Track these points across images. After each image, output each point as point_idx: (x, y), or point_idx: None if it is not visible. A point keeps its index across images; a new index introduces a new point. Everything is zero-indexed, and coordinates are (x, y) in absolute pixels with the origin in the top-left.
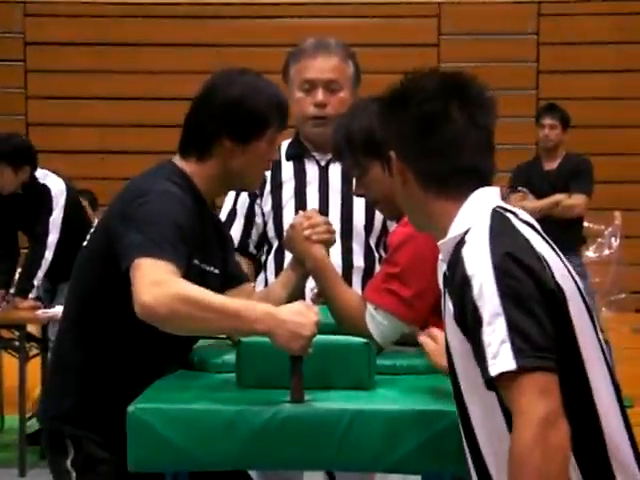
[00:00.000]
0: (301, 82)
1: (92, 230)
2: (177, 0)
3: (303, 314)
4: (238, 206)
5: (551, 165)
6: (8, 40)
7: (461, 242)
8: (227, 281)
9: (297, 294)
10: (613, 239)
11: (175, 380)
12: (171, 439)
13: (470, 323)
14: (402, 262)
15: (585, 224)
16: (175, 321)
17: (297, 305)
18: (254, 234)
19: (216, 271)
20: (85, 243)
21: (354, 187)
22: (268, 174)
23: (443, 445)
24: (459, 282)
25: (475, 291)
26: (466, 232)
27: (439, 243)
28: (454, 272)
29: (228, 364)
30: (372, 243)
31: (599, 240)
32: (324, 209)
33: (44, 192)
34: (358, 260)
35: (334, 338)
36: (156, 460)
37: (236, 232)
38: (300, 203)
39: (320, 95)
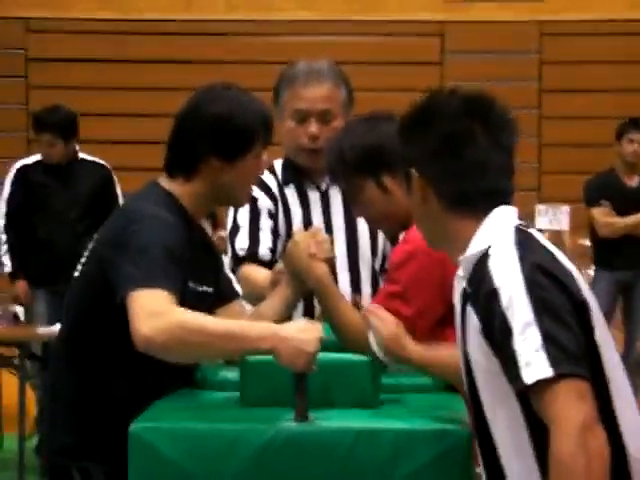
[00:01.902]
0: (293, 112)
1: (84, 258)
2: (178, 17)
3: (306, 331)
4: (262, 220)
5: (631, 181)
6: (10, 56)
7: (485, 257)
8: (219, 298)
9: (291, 311)
10: None
11: (178, 399)
12: (173, 458)
13: (498, 334)
14: (404, 280)
15: (587, 243)
16: (177, 351)
17: (300, 322)
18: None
19: (210, 290)
20: (77, 272)
21: (353, 209)
22: (278, 198)
23: (448, 465)
24: (486, 295)
25: (504, 302)
26: (488, 248)
27: (460, 259)
28: (479, 286)
29: (232, 382)
30: (377, 267)
31: None
32: (328, 235)
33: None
34: (366, 287)
35: (338, 356)
36: None
37: (266, 243)
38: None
39: (313, 127)
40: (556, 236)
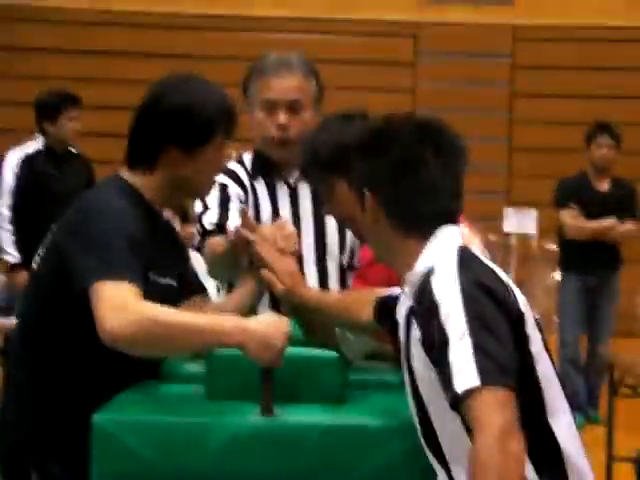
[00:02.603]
0: (262, 102)
1: (42, 249)
2: (150, 9)
3: (274, 325)
4: (232, 203)
5: (602, 186)
6: None
7: (429, 275)
8: (183, 291)
9: (257, 303)
10: None
11: (143, 391)
12: (137, 451)
13: (436, 346)
14: (373, 278)
15: (554, 247)
16: (143, 344)
17: (268, 316)
18: None
19: (173, 283)
20: (35, 264)
21: (324, 207)
22: (249, 188)
23: (414, 461)
24: (427, 309)
25: (443, 315)
26: (433, 266)
27: (406, 276)
28: (422, 301)
29: (197, 375)
30: (344, 263)
31: None
32: (297, 231)
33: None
34: (333, 282)
35: (305, 351)
36: (122, 473)
37: (235, 221)
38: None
39: (282, 117)
40: (523, 240)
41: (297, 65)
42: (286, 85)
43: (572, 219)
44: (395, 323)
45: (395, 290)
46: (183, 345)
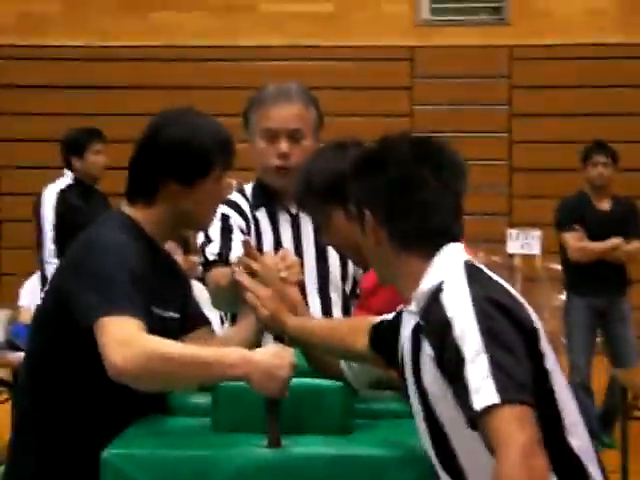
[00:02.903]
0: (263, 131)
1: (47, 287)
2: (147, 43)
3: (278, 356)
4: (234, 234)
5: (603, 205)
6: None
7: (437, 292)
8: (186, 324)
9: (260, 334)
10: None
11: (149, 425)
12: None
13: (452, 363)
14: (375, 306)
15: (558, 267)
16: (149, 379)
17: (272, 347)
18: None
19: (176, 316)
20: (39, 301)
21: (322, 236)
22: (250, 219)
23: None
24: (440, 326)
25: (457, 332)
26: (441, 283)
27: (413, 295)
28: (433, 318)
29: (203, 407)
30: (347, 291)
31: None
32: (299, 259)
33: None
34: (336, 311)
35: (311, 381)
36: None
37: (237, 251)
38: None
39: (283, 146)
40: (527, 261)
41: (297, 94)
42: (286, 114)
43: (575, 241)
44: (391, 348)
45: (387, 315)
46: (188, 378)
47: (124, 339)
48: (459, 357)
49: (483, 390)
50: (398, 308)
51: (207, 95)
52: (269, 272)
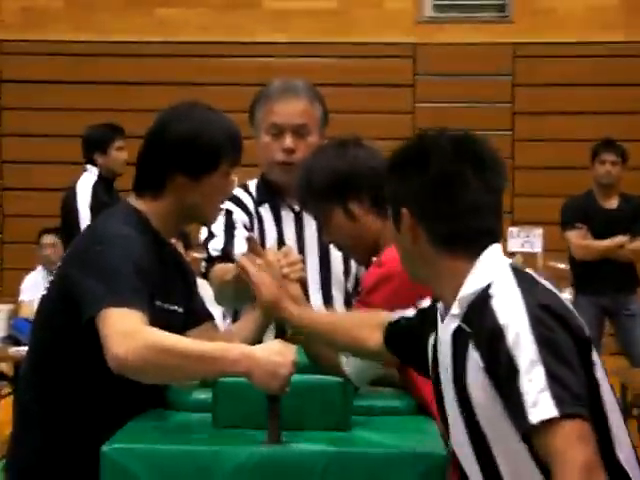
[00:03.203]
0: (268, 126)
1: (52, 278)
2: (151, 39)
3: (280, 353)
4: (237, 230)
5: (610, 204)
6: None
7: (485, 296)
8: (190, 318)
9: (264, 330)
10: None
11: (150, 420)
12: None
13: (504, 373)
14: (377, 303)
15: (559, 265)
16: (150, 371)
17: (274, 344)
18: None
19: (180, 310)
20: (44, 291)
21: (323, 235)
22: (254, 215)
23: None
24: (490, 333)
25: (510, 341)
26: (488, 287)
27: (451, 297)
28: (482, 324)
29: (204, 403)
30: (350, 289)
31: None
32: (301, 256)
33: None
34: (339, 308)
35: (311, 378)
36: None
37: (241, 248)
38: None
39: (288, 141)
40: (529, 259)
41: (302, 90)
42: (292, 110)
43: (578, 239)
44: (409, 347)
45: (407, 312)
46: (190, 372)
47: (126, 331)
48: (512, 367)
49: (540, 403)
50: (419, 304)
51: (211, 91)
52: (271, 268)
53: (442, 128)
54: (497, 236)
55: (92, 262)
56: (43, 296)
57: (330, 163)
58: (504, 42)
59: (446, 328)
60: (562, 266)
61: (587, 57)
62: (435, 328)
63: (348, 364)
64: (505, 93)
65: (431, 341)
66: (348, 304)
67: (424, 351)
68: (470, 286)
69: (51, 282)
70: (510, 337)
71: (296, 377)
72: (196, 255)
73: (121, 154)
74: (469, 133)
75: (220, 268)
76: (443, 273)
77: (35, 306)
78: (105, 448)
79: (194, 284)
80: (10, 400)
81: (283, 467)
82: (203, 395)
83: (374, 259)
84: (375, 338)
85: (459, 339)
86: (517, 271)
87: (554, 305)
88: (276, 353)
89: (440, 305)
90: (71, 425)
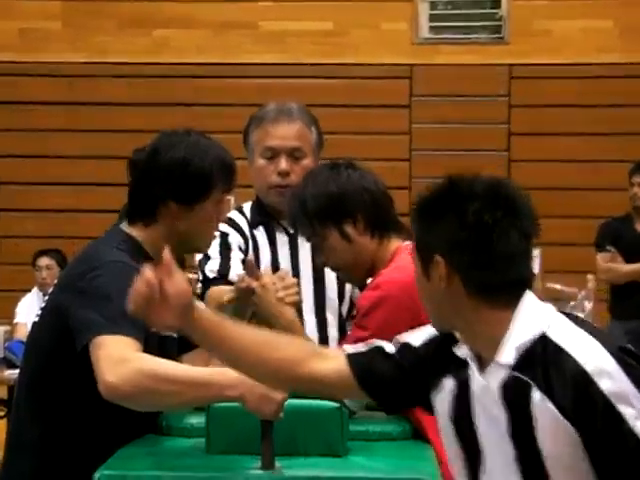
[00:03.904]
0: (263, 149)
1: (44, 304)
2: (148, 60)
3: None
4: (233, 252)
5: None
6: None
7: (547, 343)
8: (185, 342)
9: None
10: (586, 302)
11: (143, 445)
12: None
13: (600, 419)
14: (372, 326)
15: (558, 287)
16: (142, 398)
17: None
18: None
19: (174, 335)
20: (36, 317)
21: (317, 258)
22: (249, 237)
23: None
24: (573, 380)
25: (604, 386)
26: (543, 333)
27: (509, 346)
28: (557, 372)
29: (197, 428)
30: (344, 312)
31: (572, 303)
32: (296, 280)
33: None
34: (332, 331)
35: (305, 402)
36: None
37: (237, 270)
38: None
39: (283, 164)
40: None
41: (297, 113)
42: (286, 132)
43: (603, 261)
44: (398, 390)
45: (372, 345)
46: (182, 399)
47: (118, 358)
48: (615, 414)
49: None
50: (398, 340)
51: (208, 112)
52: (267, 291)
53: (471, 172)
54: (531, 282)
55: (86, 289)
56: (35, 322)
57: (323, 187)
58: (500, 63)
59: (489, 377)
60: (560, 287)
61: (583, 78)
62: (446, 373)
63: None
64: (501, 114)
65: (449, 387)
66: (342, 327)
67: (420, 395)
68: (521, 334)
69: (43, 308)
70: (603, 383)
71: (290, 402)
72: (191, 276)
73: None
74: (501, 179)
75: (217, 290)
76: (478, 322)
77: (30, 328)
78: (98, 474)
79: None
80: (4, 423)
81: None
82: (196, 420)
83: (369, 281)
84: (317, 366)
85: (513, 389)
86: (571, 316)
87: (627, 346)
88: None
89: (467, 352)
90: (64, 450)
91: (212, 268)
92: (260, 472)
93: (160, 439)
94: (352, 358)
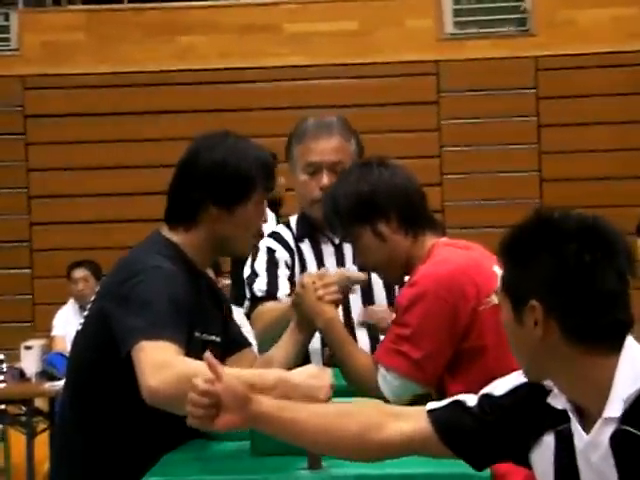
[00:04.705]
0: (305, 165)
1: (87, 312)
2: (173, 67)
3: (317, 377)
4: (280, 269)
5: None
6: (8, 113)
7: None
8: (228, 347)
9: (303, 355)
10: None
11: (188, 450)
12: None
13: None
14: (412, 323)
15: None
16: (184, 402)
17: (310, 368)
18: None
19: (218, 339)
20: (80, 326)
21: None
22: (294, 251)
23: None
24: None
25: None
26: None
27: (616, 398)
28: None
29: (242, 432)
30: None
31: None
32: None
33: None
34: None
35: (347, 400)
36: None
37: (284, 290)
38: None
39: (325, 179)
40: None
41: (336, 127)
42: (327, 147)
43: None
44: (489, 447)
45: (456, 401)
46: None
47: (159, 363)
48: None
49: None
50: (478, 394)
51: (236, 117)
52: (306, 291)
53: (557, 208)
54: (631, 326)
55: (127, 295)
56: (78, 331)
57: (354, 186)
58: (526, 56)
59: (596, 432)
60: None
61: (611, 67)
62: (544, 427)
63: (385, 383)
64: (530, 106)
65: (548, 443)
66: None
67: (508, 449)
68: (628, 384)
69: (86, 316)
70: None
71: (333, 400)
72: (226, 282)
73: (279, 178)
74: (595, 216)
75: (267, 308)
76: (578, 370)
77: (68, 340)
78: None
79: (229, 311)
80: (46, 436)
81: None
82: None
83: (406, 278)
84: (395, 427)
85: (624, 444)
86: None
87: None
88: (312, 377)
89: (566, 404)
90: (110, 459)
91: (260, 287)
92: (308, 472)
93: (204, 444)
94: (433, 415)
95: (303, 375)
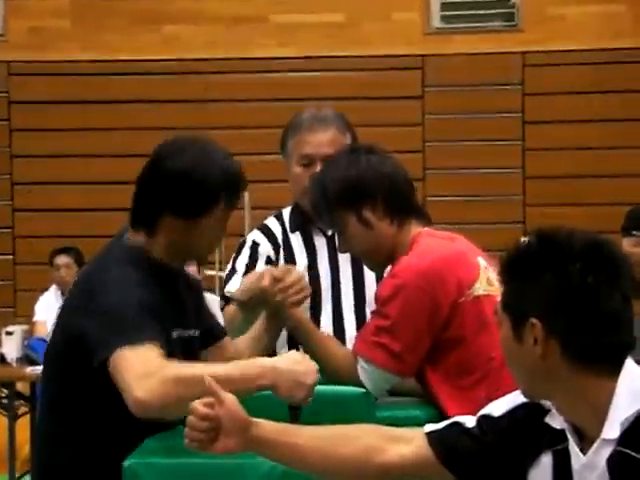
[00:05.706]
0: (299, 157)
1: (54, 324)
2: (158, 57)
3: (302, 363)
4: (258, 267)
5: None
6: None
7: None
8: (206, 338)
9: (274, 343)
10: None
11: (172, 434)
12: None
13: None
14: (392, 315)
15: None
16: (174, 407)
17: (293, 354)
18: None
19: (196, 334)
20: (49, 338)
21: (339, 244)
22: (281, 245)
23: None
24: None
25: None
26: None
27: (613, 420)
28: None
29: None
30: None
31: None
32: (335, 281)
33: None
34: None
35: (332, 388)
36: None
37: None
38: (314, 277)
39: (318, 170)
40: None
41: (331, 120)
42: (321, 140)
43: (627, 247)
44: (487, 467)
45: (455, 422)
46: None
47: (143, 371)
48: None
49: None
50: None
51: (220, 108)
52: (267, 295)
53: (562, 228)
54: (633, 348)
55: (96, 309)
56: (49, 340)
57: (342, 172)
58: (513, 51)
59: (594, 453)
60: None
61: (597, 64)
62: (542, 447)
63: (365, 374)
64: (515, 102)
65: (546, 463)
66: None
67: (509, 469)
68: (626, 406)
69: (55, 325)
70: None
71: (320, 387)
72: (209, 272)
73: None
74: (598, 236)
75: (227, 309)
76: (576, 390)
77: (49, 325)
78: (127, 463)
79: (202, 300)
80: (27, 419)
81: (307, 478)
82: None
83: (388, 268)
84: (394, 451)
85: (619, 466)
86: None
87: None
88: (297, 362)
89: (564, 424)
90: (94, 441)
91: (230, 289)
92: None
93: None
94: (432, 437)
95: (288, 361)
